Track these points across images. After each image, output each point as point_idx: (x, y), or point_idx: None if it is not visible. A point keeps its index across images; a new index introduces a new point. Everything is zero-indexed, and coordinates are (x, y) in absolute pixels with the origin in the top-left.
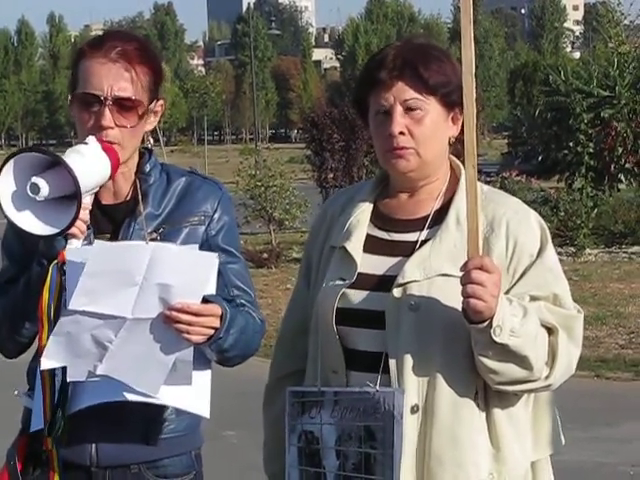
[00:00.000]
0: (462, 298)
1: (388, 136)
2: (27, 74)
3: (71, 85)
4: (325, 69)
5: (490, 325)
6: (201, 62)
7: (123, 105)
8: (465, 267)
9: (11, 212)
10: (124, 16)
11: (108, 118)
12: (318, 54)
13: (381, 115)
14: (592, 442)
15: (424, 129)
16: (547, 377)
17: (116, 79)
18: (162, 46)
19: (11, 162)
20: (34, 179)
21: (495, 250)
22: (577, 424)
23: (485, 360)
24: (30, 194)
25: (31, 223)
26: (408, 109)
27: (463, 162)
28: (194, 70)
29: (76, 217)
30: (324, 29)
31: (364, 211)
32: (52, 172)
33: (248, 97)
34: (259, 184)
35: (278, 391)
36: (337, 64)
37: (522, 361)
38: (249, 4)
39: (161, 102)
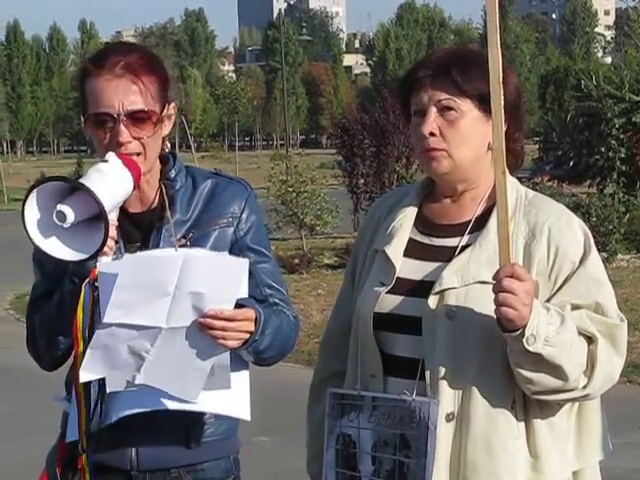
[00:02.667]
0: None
1: (421, 137)
2: (59, 80)
3: (81, 105)
4: (356, 75)
5: (523, 334)
6: (232, 68)
7: (137, 118)
8: (497, 275)
9: (40, 241)
10: (155, 22)
11: (125, 134)
12: (349, 60)
13: (417, 115)
14: (625, 448)
15: (457, 131)
16: (585, 387)
17: (125, 94)
18: (193, 52)
19: (34, 193)
20: (59, 207)
21: (536, 256)
22: (610, 430)
23: (519, 369)
24: (57, 222)
25: (61, 250)
26: (443, 110)
27: (510, 168)
28: (225, 76)
29: (105, 240)
30: (355, 35)
31: (407, 215)
32: (76, 196)
33: (279, 103)
34: (290, 190)
35: (323, 391)
36: (368, 70)
37: (556, 371)
38: (280, 10)
39: (173, 105)
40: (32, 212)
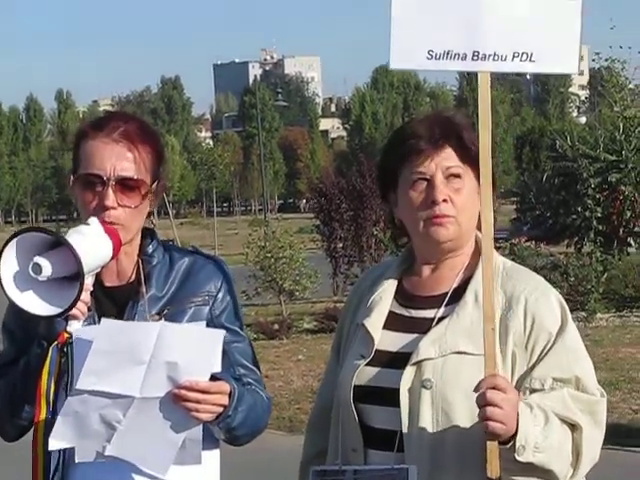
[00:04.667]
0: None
1: (430, 204)
2: (36, 150)
3: (73, 166)
4: (332, 139)
5: (512, 444)
6: (209, 134)
7: (126, 185)
8: (479, 387)
9: (12, 292)
10: (132, 90)
11: (111, 198)
12: (325, 124)
13: (420, 184)
14: None
15: (462, 198)
16: (572, 476)
17: (119, 159)
18: (170, 119)
19: (13, 242)
20: (36, 259)
21: (513, 327)
22: None
23: (510, 475)
24: (32, 274)
25: (33, 303)
26: (448, 177)
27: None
28: (202, 143)
29: (78, 298)
30: (330, 99)
31: (387, 288)
32: (54, 252)
33: (256, 168)
34: (269, 255)
35: (309, 470)
36: (344, 133)
37: (547, 473)
38: (255, 76)
39: (163, 183)
40: (9, 262)
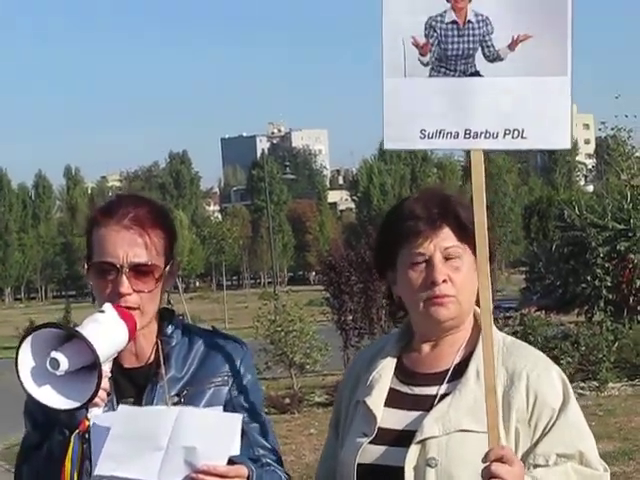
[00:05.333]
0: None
1: (430, 284)
2: (45, 227)
3: (87, 253)
4: (341, 211)
5: None
6: (217, 208)
7: (140, 271)
8: (485, 458)
9: (31, 388)
10: (140, 166)
11: (126, 285)
12: (333, 196)
13: (419, 264)
14: None
15: (462, 277)
16: None
17: (131, 246)
18: (178, 194)
19: (29, 339)
20: (53, 354)
21: (515, 404)
22: None
23: None
24: (50, 369)
25: (52, 398)
26: (447, 257)
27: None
28: (210, 216)
29: (98, 389)
30: (338, 171)
31: (387, 365)
32: (70, 344)
33: (265, 241)
34: (279, 329)
35: None
36: (352, 205)
37: None
38: (263, 150)
39: (176, 262)
40: (26, 358)
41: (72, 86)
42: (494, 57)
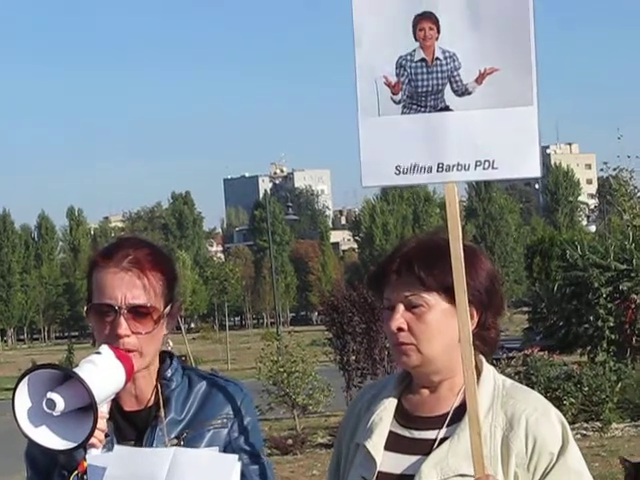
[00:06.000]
0: None
1: (391, 332)
2: (48, 268)
3: (87, 295)
4: (343, 251)
5: None
6: (220, 248)
7: (138, 312)
8: None
9: (28, 429)
10: (142, 206)
11: (124, 327)
12: (336, 236)
13: (387, 311)
14: None
15: (425, 325)
16: None
17: (129, 287)
18: (181, 234)
19: (25, 379)
20: (49, 395)
21: (514, 448)
22: None
23: None
24: (46, 410)
25: (49, 438)
26: (410, 306)
27: (485, 355)
28: (213, 257)
29: (94, 429)
30: (341, 211)
31: (387, 408)
32: (66, 385)
33: (268, 281)
34: (281, 370)
35: None
36: (355, 245)
37: None
38: (266, 190)
39: (178, 304)
40: (22, 399)
41: (74, 126)
42: (462, 91)
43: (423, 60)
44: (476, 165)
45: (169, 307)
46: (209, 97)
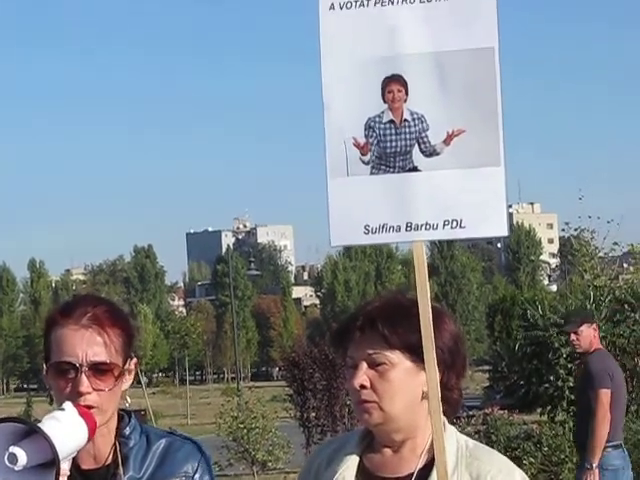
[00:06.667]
0: None
1: (353, 389)
2: (8, 320)
3: (45, 354)
4: (305, 306)
5: None
6: (182, 303)
7: (99, 369)
8: None
9: None
10: (104, 259)
11: (85, 384)
12: (298, 292)
13: (349, 369)
14: None
15: (387, 383)
16: None
17: (90, 344)
18: (143, 288)
19: None
20: (12, 449)
21: None
22: None
23: None
24: (8, 464)
25: None
26: (373, 363)
27: (447, 416)
28: (175, 311)
29: None
30: (303, 267)
31: (349, 466)
32: (30, 440)
33: (229, 336)
34: (241, 426)
35: None
36: (317, 301)
37: None
38: (228, 245)
39: (135, 360)
40: None
41: (36, 177)
42: (430, 152)
43: (392, 122)
44: (444, 224)
45: (128, 363)
46: (174, 151)
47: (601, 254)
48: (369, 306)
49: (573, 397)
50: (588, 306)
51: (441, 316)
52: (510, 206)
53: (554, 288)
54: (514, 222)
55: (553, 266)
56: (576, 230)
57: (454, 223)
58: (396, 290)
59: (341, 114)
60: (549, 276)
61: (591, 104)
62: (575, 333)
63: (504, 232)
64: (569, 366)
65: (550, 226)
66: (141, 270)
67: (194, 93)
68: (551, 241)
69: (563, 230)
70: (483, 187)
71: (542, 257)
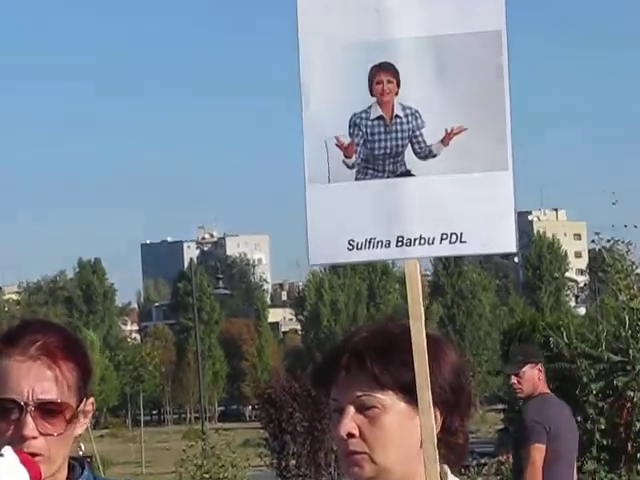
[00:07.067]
0: None
1: (339, 439)
2: None
3: None
4: (284, 332)
5: None
6: (136, 328)
7: (47, 410)
8: None
9: None
10: (43, 275)
11: (31, 427)
12: (275, 315)
13: (335, 413)
14: None
15: (380, 431)
16: None
17: (38, 380)
18: (88, 310)
19: None
20: None
21: None
22: None
23: None
24: None
25: None
26: (362, 407)
27: (450, 465)
28: (127, 337)
29: None
30: (281, 285)
31: None
32: None
33: (192, 368)
34: (207, 476)
35: None
36: (298, 326)
37: None
38: (191, 259)
39: (92, 400)
40: None
41: None
42: (426, 154)
43: (381, 118)
44: (442, 238)
45: (83, 403)
46: (126, 147)
47: (639, 271)
48: (355, 338)
49: (605, 442)
50: (623, 333)
51: (440, 346)
52: (529, 213)
53: (582, 311)
54: (534, 232)
55: (581, 285)
56: (609, 242)
57: (453, 237)
58: (387, 317)
59: (322, 110)
60: (576, 297)
61: (632, 87)
62: (516, 375)
63: (512, 248)
64: (600, 405)
65: (578, 237)
66: (86, 288)
67: (151, 87)
68: (579, 255)
69: (593, 242)
70: (488, 195)
71: (568, 274)
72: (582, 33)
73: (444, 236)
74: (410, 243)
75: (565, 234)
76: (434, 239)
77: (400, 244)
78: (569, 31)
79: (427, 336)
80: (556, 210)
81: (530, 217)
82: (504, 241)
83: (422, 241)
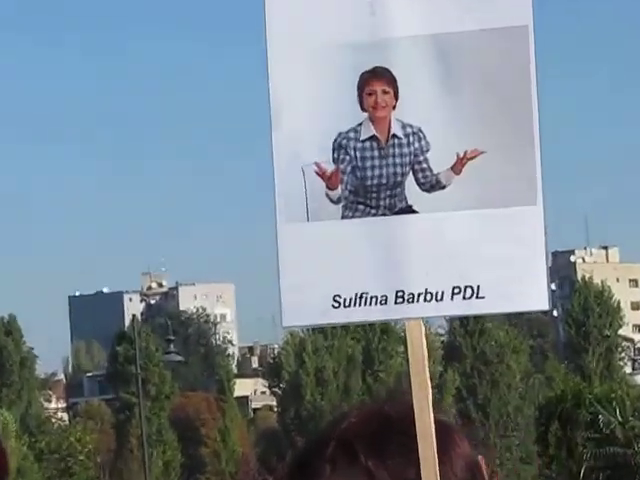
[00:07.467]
0: None
1: None
2: None
3: None
4: (254, 410)
5: None
6: (62, 405)
7: None
8: None
9: None
10: None
11: None
12: (243, 387)
13: None
14: None
15: None
16: None
17: None
18: (1, 382)
19: None
20: None
21: None
22: None
23: None
24: None
25: None
26: None
27: None
28: (52, 418)
29: None
30: (251, 348)
31: None
32: None
33: (136, 457)
34: None
35: None
36: (273, 401)
37: None
38: (134, 315)
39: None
40: None
41: None
42: (432, 184)
43: (374, 138)
44: (453, 293)
45: None
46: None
47: None
48: (343, 423)
49: None
50: None
51: (450, 434)
52: (572, 252)
53: None
54: (578, 277)
55: (639, 345)
56: None
57: (468, 291)
58: (388, 391)
59: (296, 128)
60: (633, 361)
61: None
62: None
63: (544, 305)
64: None
65: (634, 283)
66: None
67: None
68: (636, 306)
69: None
70: (511, 237)
71: (622, 331)
72: None
73: (456, 290)
74: (412, 299)
75: (618, 279)
76: (443, 294)
77: (400, 301)
78: None
79: (435, 422)
80: (606, 249)
81: (573, 258)
82: (533, 296)
83: (428, 297)
